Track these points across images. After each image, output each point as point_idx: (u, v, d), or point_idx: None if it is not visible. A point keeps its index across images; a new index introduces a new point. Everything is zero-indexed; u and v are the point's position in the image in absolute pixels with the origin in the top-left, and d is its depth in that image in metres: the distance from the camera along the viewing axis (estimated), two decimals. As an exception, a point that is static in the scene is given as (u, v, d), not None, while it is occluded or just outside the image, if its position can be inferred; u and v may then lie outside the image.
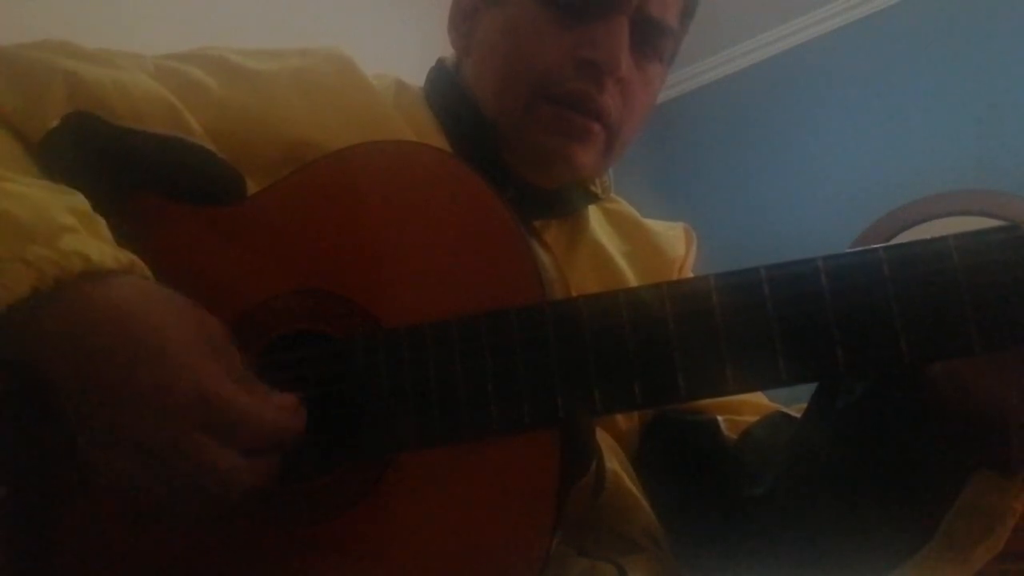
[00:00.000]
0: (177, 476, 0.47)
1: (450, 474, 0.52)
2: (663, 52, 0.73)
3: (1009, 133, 2.55)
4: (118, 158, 0.61)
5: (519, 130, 0.70)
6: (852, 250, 0.49)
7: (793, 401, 0.69)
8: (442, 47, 0.80)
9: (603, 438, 0.66)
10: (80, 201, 0.53)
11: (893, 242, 0.51)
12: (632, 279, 0.77)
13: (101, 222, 0.53)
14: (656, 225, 0.86)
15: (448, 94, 0.76)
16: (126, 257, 0.51)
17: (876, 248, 0.48)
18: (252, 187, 0.64)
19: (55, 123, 0.58)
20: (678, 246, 0.84)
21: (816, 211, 2.87)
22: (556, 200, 0.76)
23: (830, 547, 0.62)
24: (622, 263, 0.78)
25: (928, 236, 0.48)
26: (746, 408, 0.74)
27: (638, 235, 0.83)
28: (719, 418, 0.73)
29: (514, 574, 0.50)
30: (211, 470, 0.47)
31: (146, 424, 0.46)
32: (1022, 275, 0.45)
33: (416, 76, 0.81)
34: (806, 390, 0.58)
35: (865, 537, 0.59)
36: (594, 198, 0.80)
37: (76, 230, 0.50)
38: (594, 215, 0.81)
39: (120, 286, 0.49)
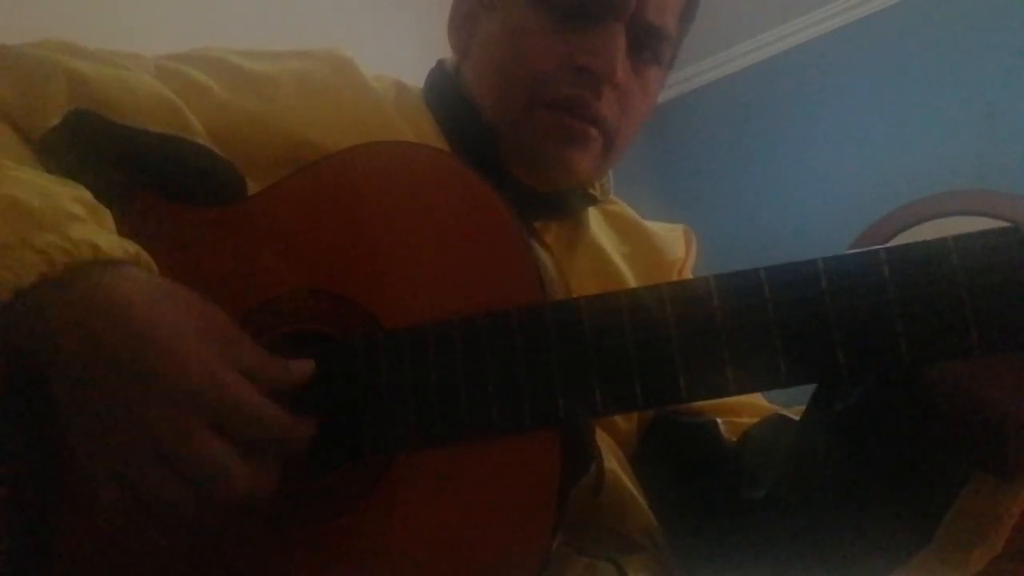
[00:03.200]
0: (174, 467, 0.45)
1: (451, 474, 0.52)
2: (661, 57, 0.73)
3: (1009, 133, 2.55)
4: (119, 157, 0.61)
5: (517, 135, 0.70)
6: (852, 252, 0.49)
7: (792, 403, 0.69)
8: (442, 48, 0.80)
9: (602, 438, 0.66)
10: (85, 192, 0.54)
11: (893, 242, 0.51)
12: (632, 280, 0.78)
13: (107, 213, 0.53)
14: (655, 227, 0.86)
15: (447, 96, 0.76)
16: (133, 248, 0.51)
17: (876, 249, 0.48)
18: (252, 188, 0.64)
19: (56, 121, 0.58)
20: (678, 247, 0.85)
21: (816, 211, 2.87)
22: (555, 202, 0.76)
23: (828, 549, 0.62)
24: (622, 264, 0.79)
25: (928, 236, 0.48)
26: (745, 410, 0.74)
27: (638, 236, 0.83)
28: (718, 420, 0.73)
29: (514, 574, 0.50)
30: (209, 463, 0.46)
31: (150, 410, 0.45)
32: (1022, 277, 0.45)
33: (416, 77, 0.81)
34: (805, 392, 0.58)
35: (863, 539, 0.59)
36: (593, 200, 0.80)
37: (84, 219, 0.50)
38: (594, 217, 0.82)
39: (127, 276, 0.49)
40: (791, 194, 2.97)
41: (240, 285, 0.59)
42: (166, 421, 0.45)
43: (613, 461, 0.67)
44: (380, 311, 0.56)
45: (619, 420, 0.72)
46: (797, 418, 0.67)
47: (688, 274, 0.84)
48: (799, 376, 0.48)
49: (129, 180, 0.62)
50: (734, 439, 0.71)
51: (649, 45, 0.71)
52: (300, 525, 0.53)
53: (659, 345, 0.50)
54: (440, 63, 0.80)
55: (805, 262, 0.49)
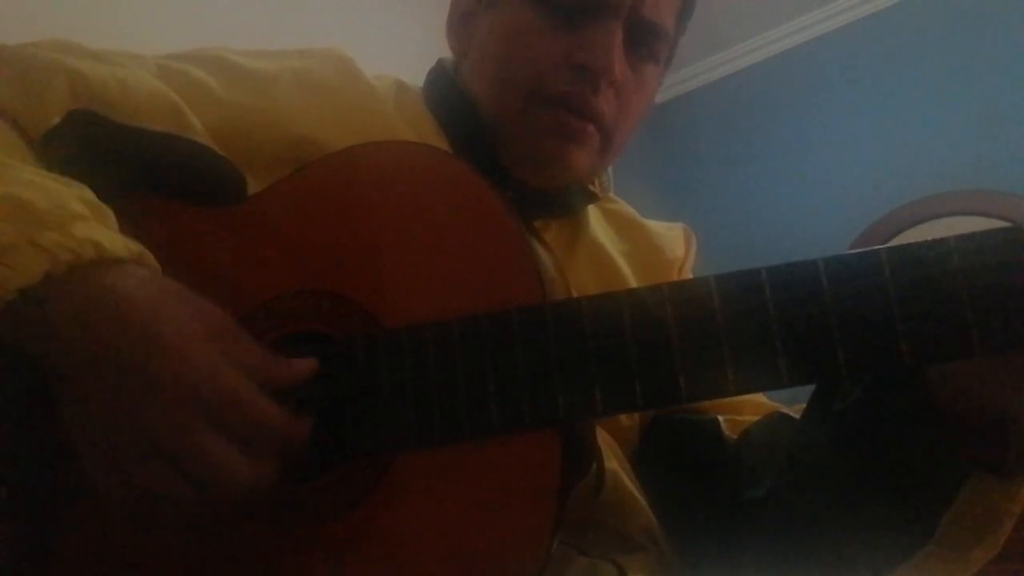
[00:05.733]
0: (175, 464, 0.46)
1: (451, 474, 0.52)
2: (658, 54, 0.74)
3: (1009, 133, 2.55)
4: (119, 156, 0.61)
5: (516, 132, 0.71)
6: (853, 252, 0.49)
7: (793, 401, 0.69)
8: (442, 48, 0.81)
9: (602, 437, 0.66)
10: (88, 192, 0.54)
11: (893, 242, 0.51)
12: (631, 279, 0.78)
13: (109, 213, 0.54)
14: (655, 225, 0.86)
15: (447, 95, 0.76)
16: (136, 246, 0.51)
17: (877, 250, 0.48)
18: (253, 187, 0.64)
19: (57, 120, 0.58)
20: (677, 246, 0.85)
21: (816, 211, 2.87)
22: (555, 200, 0.76)
23: (829, 548, 0.62)
24: (621, 263, 0.79)
25: (928, 236, 0.47)
26: (746, 408, 0.74)
27: (637, 235, 0.83)
28: (719, 418, 0.73)
29: (515, 574, 0.50)
30: (209, 460, 0.46)
31: (151, 409, 0.46)
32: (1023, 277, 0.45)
33: (416, 77, 0.81)
34: (806, 390, 0.58)
35: (863, 538, 0.59)
36: (593, 197, 0.80)
37: (87, 218, 0.50)
38: (594, 215, 0.82)
39: (131, 276, 0.50)
40: (791, 194, 2.97)
41: (240, 285, 0.59)
42: (167, 419, 0.46)
43: (614, 461, 0.67)
44: (380, 311, 0.56)
45: (621, 418, 0.72)
46: (798, 416, 0.67)
47: (688, 273, 0.85)
48: (800, 376, 0.48)
49: (129, 179, 0.62)
50: (735, 437, 0.71)
51: (646, 42, 0.71)
52: (300, 525, 0.53)
53: (659, 345, 0.50)
54: (440, 62, 0.80)
55: (806, 262, 0.49)
